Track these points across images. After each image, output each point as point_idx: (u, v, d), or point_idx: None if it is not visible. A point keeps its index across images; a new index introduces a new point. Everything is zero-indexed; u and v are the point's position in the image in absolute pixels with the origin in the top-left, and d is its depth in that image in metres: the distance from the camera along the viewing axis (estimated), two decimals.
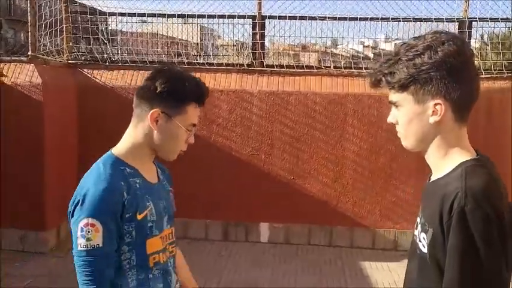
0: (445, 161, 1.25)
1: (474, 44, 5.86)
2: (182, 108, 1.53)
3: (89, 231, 1.42)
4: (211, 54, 6.83)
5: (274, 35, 5.59)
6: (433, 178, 1.30)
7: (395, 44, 5.37)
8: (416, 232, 1.31)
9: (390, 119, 1.31)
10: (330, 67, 5.44)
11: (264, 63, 5.45)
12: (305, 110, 5.21)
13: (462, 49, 1.21)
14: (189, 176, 4.89)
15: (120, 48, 6.08)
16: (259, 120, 5.26)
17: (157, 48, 5.90)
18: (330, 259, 4.95)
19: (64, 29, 5.45)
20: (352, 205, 5.24)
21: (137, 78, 5.40)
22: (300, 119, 5.22)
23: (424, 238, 1.23)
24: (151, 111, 1.51)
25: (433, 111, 1.22)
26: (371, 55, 8.24)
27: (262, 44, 5.45)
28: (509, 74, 5.10)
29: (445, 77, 1.19)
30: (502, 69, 5.14)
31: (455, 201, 1.13)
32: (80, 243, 1.43)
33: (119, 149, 1.58)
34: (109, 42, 5.87)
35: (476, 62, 5.28)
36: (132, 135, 1.57)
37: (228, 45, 6.50)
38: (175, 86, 1.52)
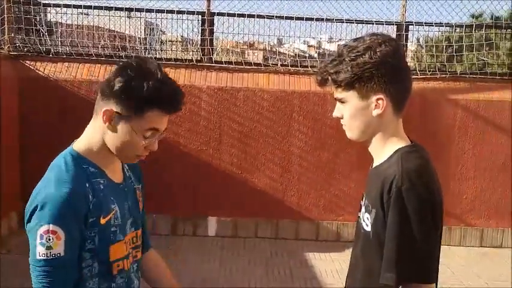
0: (384, 149, 1.40)
1: (411, 46, 6.22)
2: (139, 113, 1.33)
3: (49, 239, 1.27)
4: (158, 49, 6.78)
5: (222, 31, 5.67)
6: (374, 164, 1.45)
7: (338, 44, 5.62)
8: (360, 214, 1.46)
9: (336, 113, 1.43)
10: (277, 65, 5.60)
11: (213, 59, 5.52)
12: (253, 106, 5.33)
13: (397, 49, 1.36)
14: None
15: (64, 41, 5.91)
16: (207, 115, 5.33)
17: (102, 41, 5.79)
18: (276, 251, 5.11)
19: (6, 19, 5.24)
20: (298, 199, 5.43)
21: (82, 72, 5.30)
22: (248, 115, 5.33)
23: (367, 218, 1.38)
24: (104, 109, 1.35)
25: (376, 105, 1.36)
26: (315, 54, 8.49)
27: (211, 40, 5.51)
28: (442, 75, 5.49)
29: (384, 75, 1.33)
30: (436, 71, 5.52)
31: (393, 182, 1.28)
32: (39, 252, 1.28)
33: (81, 144, 1.42)
34: (52, 34, 5.69)
35: (412, 64, 5.65)
36: (91, 131, 1.42)
37: (176, 41, 6.49)
38: (135, 87, 1.31)
